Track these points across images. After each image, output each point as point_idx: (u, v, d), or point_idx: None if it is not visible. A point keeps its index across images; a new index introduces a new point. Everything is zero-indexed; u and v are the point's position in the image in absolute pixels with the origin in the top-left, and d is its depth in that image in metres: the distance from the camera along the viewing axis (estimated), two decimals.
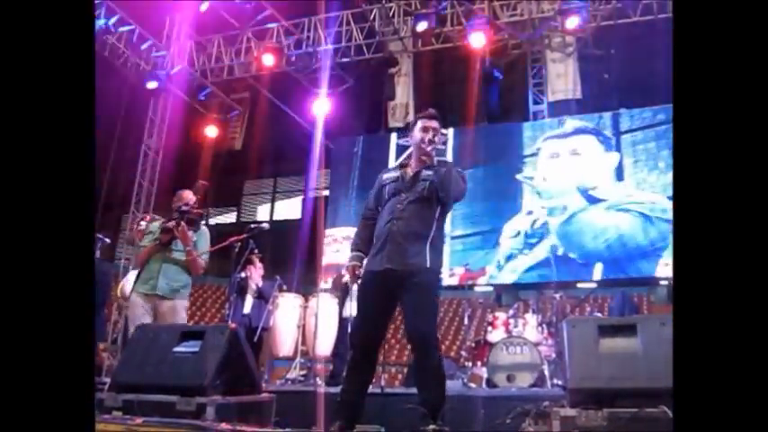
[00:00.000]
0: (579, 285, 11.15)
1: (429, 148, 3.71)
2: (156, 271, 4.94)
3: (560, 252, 10.73)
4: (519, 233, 11.24)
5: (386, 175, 3.94)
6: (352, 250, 3.92)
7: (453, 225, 11.33)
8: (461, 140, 12.24)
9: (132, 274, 7.13)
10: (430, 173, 3.72)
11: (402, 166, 3.94)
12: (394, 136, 12.85)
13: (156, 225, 5.18)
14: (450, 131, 12.24)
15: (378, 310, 3.69)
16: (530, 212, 11.31)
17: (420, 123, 3.82)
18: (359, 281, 3.81)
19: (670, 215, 10.05)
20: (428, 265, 3.59)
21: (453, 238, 11.39)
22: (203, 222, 5.29)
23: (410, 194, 3.72)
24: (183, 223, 4.92)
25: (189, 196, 5.20)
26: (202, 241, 5.19)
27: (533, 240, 11.10)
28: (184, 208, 5.04)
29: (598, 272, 10.53)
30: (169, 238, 4.98)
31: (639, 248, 10.35)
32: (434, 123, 3.80)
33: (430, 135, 3.75)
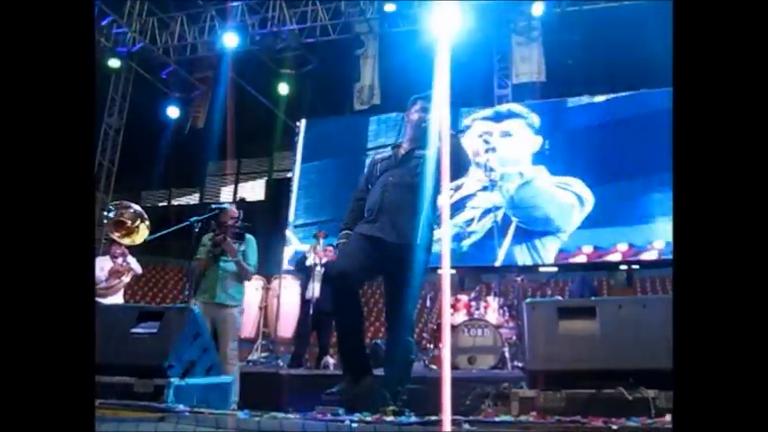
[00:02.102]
0: (541, 269, 11.23)
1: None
2: (214, 281, 5.38)
3: (514, 224, 10.38)
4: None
5: (378, 156, 4.04)
6: (341, 229, 3.91)
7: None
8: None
9: (100, 260, 7.36)
10: (424, 152, 3.72)
11: (395, 146, 4.00)
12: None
13: (207, 238, 5.55)
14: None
15: (360, 253, 3.60)
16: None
17: (419, 104, 3.87)
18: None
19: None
20: (419, 241, 3.55)
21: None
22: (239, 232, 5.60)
23: (403, 170, 3.75)
24: (228, 239, 5.38)
25: (234, 212, 5.61)
26: (250, 250, 5.56)
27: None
28: (229, 223, 5.50)
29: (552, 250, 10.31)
30: (220, 252, 5.41)
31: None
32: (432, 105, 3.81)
33: (428, 115, 3.76)
